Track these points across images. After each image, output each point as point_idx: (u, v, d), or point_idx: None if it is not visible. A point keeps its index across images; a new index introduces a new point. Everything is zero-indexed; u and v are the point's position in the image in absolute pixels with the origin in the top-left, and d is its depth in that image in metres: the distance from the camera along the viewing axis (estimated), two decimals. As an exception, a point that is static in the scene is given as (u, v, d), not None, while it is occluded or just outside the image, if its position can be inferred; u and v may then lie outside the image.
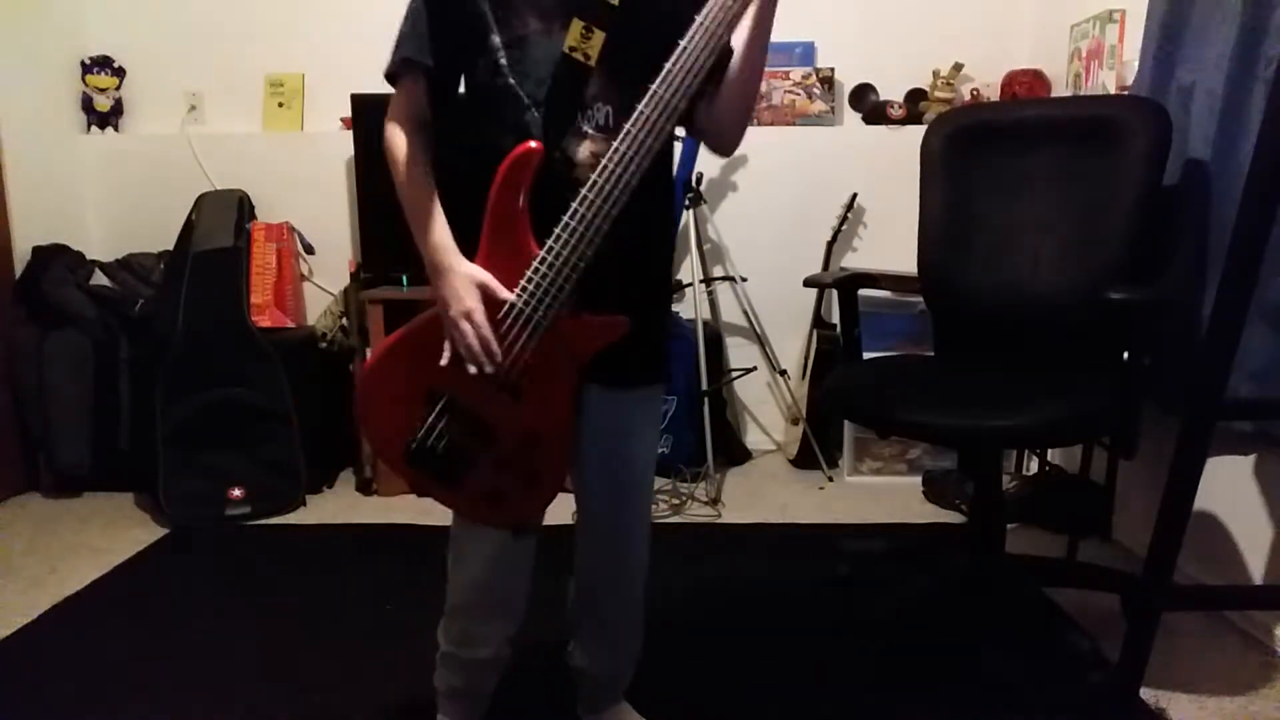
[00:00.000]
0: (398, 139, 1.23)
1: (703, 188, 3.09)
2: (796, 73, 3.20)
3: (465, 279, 1.17)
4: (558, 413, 1.23)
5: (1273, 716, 1.64)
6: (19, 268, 2.96)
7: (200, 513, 2.65)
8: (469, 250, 1.19)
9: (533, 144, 1.14)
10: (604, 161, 1.12)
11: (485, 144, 1.20)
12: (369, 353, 2.88)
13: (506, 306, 1.17)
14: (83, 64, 3.25)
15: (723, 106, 1.26)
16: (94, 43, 3.28)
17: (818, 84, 3.21)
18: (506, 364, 1.19)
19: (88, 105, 3.27)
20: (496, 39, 1.18)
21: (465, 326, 1.16)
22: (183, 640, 1.94)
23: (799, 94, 3.21)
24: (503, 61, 1.19)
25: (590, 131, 1.19)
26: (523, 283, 1.16)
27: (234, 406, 2.74)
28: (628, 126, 1.12)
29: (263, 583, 2.24)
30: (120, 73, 3.30)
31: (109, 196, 3.31)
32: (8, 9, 2.98)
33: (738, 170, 3.26)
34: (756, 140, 3.21)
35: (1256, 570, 1.93)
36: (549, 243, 1.15)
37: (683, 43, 1.12)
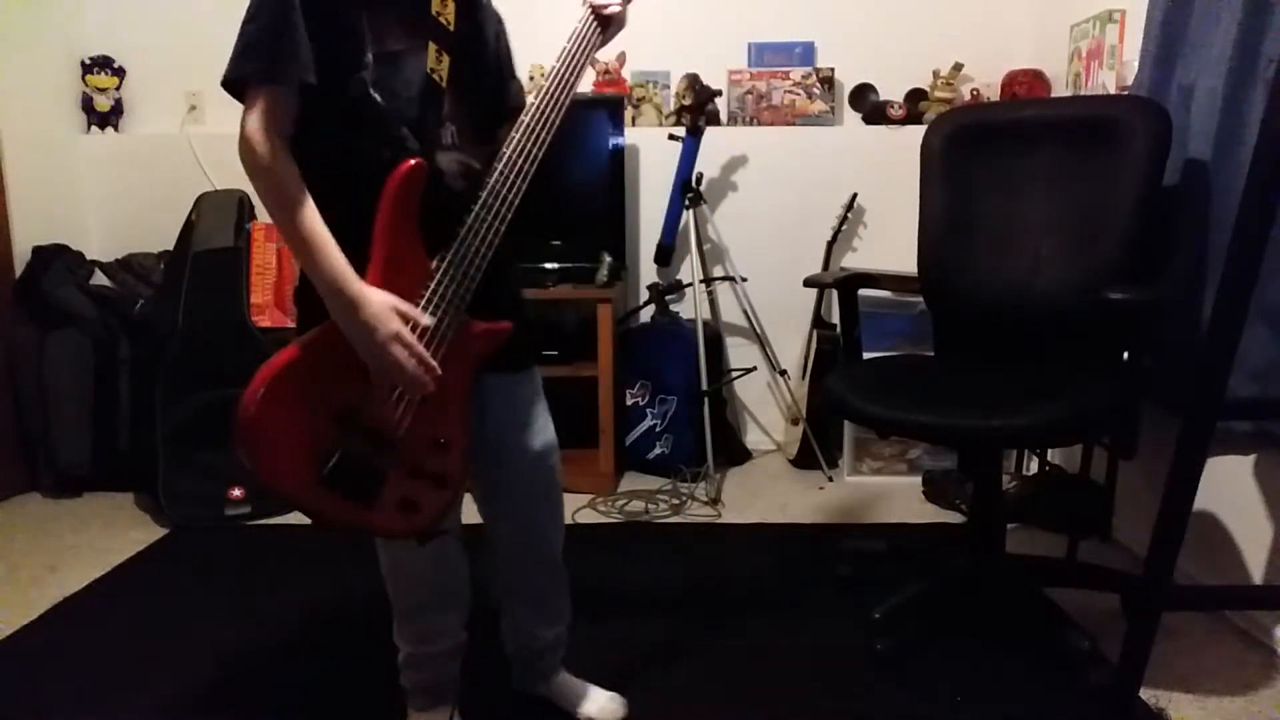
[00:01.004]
0: (276, 160, 1.16)
1: (703, 188, 3.09)
2: (796, 73, 3.20)
3: (383, 306, 1.16)
4: (457, 415, 1.29)
5: (1273, 716, 1.64)
6: (19, 268, 2.96)
7: (200, 513, 2.65)
8: (357, 264, 1.17)
9: (413, 161, 1.18)
10: (490, 181, 1.25)
11: (363, 157, 1.21)
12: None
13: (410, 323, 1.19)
14: (83, 64, 3.25)
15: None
16: (94, 43, 3.28)
17: (818, 84, 3.21)
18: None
19: (88, 105, 3.27)
20: (370, 54, 1.21)
21: (400, 351, 1.17)
22: (183, 640, 1.94)
23: (799, 94, 3.21)
24: (378, 77, 1.21)
25: (447, 144, 1.29)
26: (427, 295, 1.22)
27: (234, 406, 2.72)
28: (509, 153, 1.26)
29: (263, 583, 2.24)
30: (120, 73, 3.30)
31: (109, 196, 3.31)
32: (8, 9, 2.99)
33: (738, 170, 3.26)
34: (756, 140, 3.22)
35: (1256, 570, 1.93)
36: (448, 256, 1.22)
37: (546, 84, 1.30)
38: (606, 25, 1.38)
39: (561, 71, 1.32)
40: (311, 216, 1.16)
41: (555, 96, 1.30)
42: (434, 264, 1.23)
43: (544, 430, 1.50)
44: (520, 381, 1.46)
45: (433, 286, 1.22)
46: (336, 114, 1.21)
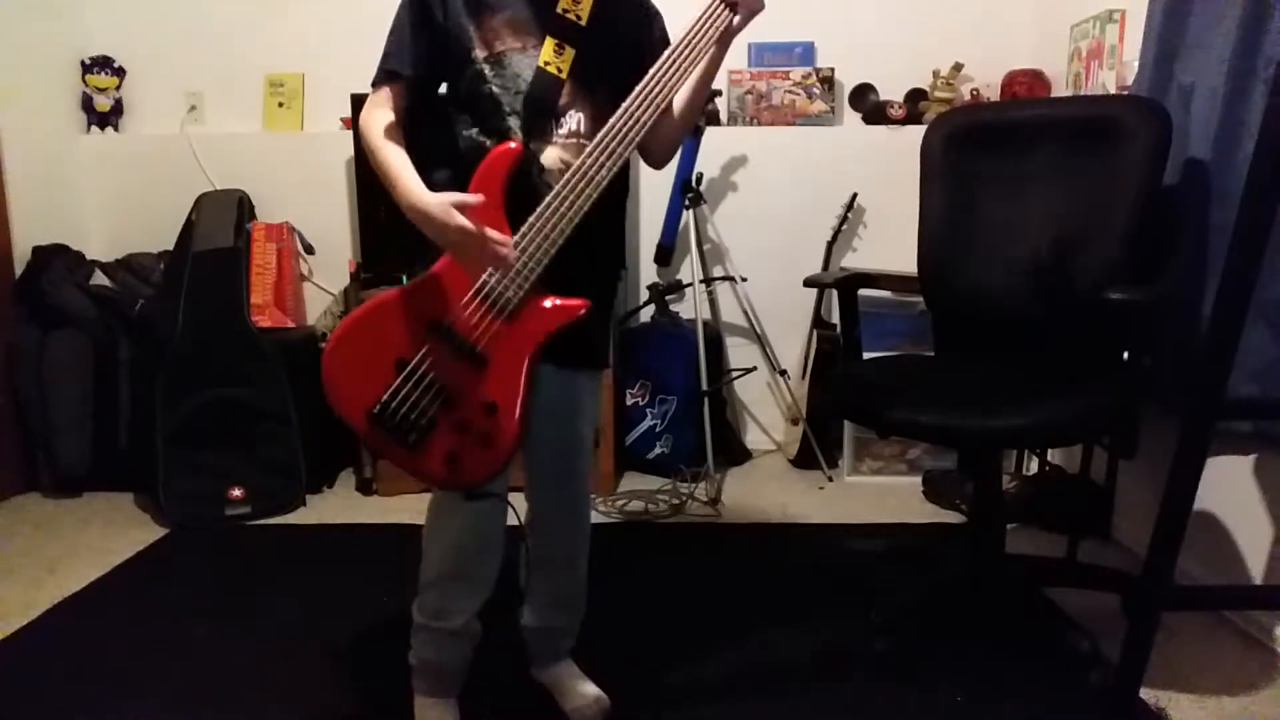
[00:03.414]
0: (375, 117, 1.36)
1: (703, 188, 3.09)
2: (796, 73, 3.21)
3: (440, 205, 1.25)
4: (514, 382, 1.33)
5: (1273, 716, 1.64)
6: (19, 268, 2.96)
7: (200, 513, 2.65)
8: None
9: (513, 144, 1.30)
10: (577, 162, 1.30)
11: (472, 142, 1.36)
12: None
13: (479, 284, 1.30)
14: (83, 64, 3.25)
15: (665, 128, 1.42)
16: (94, 43, 3.28)
17: (818, 84, 3.21)
18: (477, 333, 1.31)
19: (88, 105, 3.27)
20: (479, 53, 1.35)
21: (470, 241, 1.25)
22: (183, 640, 1.94)
23: (799, 94, 3.22)
24: (487, 72, 1.35)
25: (561, 138, 1.36)
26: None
27: (234, 406, 2.74)
28: (601, 134, 1.29)
29: (263, 583, 2.23)
30: (120, 73, 3.30)
31: (109, 196, 3.31)
32: (8, 9, 2.98)
33: (738, 170, 3.26)
34: (756, 140, 3.22)
35: (1256, 570, 1.93)
36: (523, 229, 1.28)
37: (655, 68, 1.30)
38: (735, 9, 1.35)
39: (674, 55, 1.31)
40: (388, 156, 1.33)
41: (663, 79, 1.30)
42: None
43: (574, 434, 1.53)
44: (569, 379, 1.48)
45: None
46: (456, 104, 1.38)
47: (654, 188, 3.22)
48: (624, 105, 1.29)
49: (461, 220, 1.24)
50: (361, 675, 1.79)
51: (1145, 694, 1.68)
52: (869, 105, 3.24)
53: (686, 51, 1.32)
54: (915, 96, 3.21)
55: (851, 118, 3.28)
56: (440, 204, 1.25)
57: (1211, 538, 2.02)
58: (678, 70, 1.31)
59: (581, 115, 1.36)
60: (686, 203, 3.03)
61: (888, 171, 3.13)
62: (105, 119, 3.29)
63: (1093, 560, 2.27)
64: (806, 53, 3.24)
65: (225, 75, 3.27)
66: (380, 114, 1.36)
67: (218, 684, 1.77)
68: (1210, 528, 2.03)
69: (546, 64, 1.33)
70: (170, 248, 2.96)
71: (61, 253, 3.01)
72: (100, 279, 3.08)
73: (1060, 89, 2.96)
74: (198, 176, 3.23)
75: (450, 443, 1.32)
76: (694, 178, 3.02)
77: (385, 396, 1.31)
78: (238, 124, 3.30)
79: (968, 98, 3.20)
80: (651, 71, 1.30)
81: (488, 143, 1.33)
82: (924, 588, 2.05)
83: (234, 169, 3.22)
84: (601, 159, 1.27)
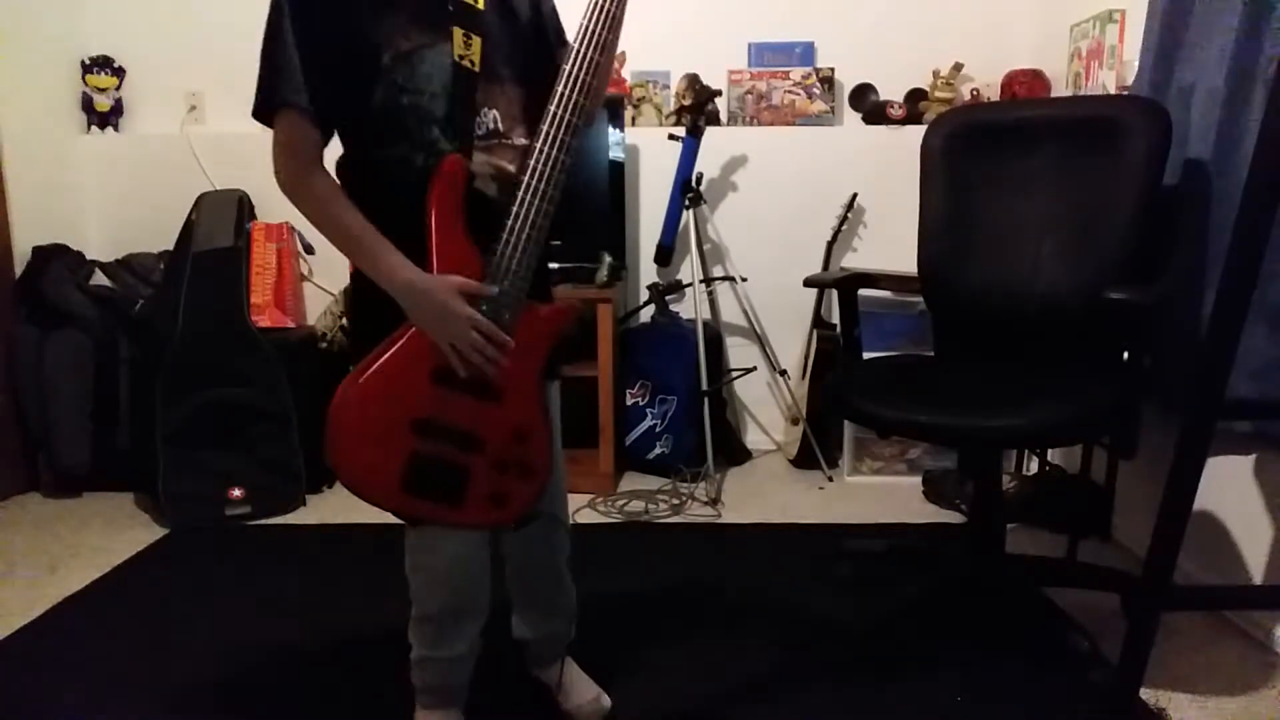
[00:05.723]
0: (312, 179, 1.20)
1: (703, 188, 3.09)
2: (796, 73, 3.20)
3: (447, 289, 1.19)
4: (533, 400, 1.28)
5: (1273, 716, 1.64)
6: (19, 268, 2.96)
7: (200, 513, 2.65)
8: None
9: (450, 157, 1.19)
10: (531, 161, 1.19)
11: (396, 162, 1.22)
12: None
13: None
14: (83, 64, 3.25)
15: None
16: (94, 43, 3.28)
17: (818, 84, 3.21)
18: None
19: (88, 105, 3.27)
20: (387, 58, 1.19)
21: (473, 334, 1.20)
22: (183, 640, 1.94)
23: (799, 94, 3.21)
24: (399, 80, 1.20)
25: (481, 140, 1.24)
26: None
27: (234, 406, 2.74)
28: (544, 128, 1.19)
29: (263, 583, 2.24)
30: (120, 73, 3.30)
31: (109, 196, 3.31)
32: (8, 9, 2.98)
33: (738, 170, 3.26)
34: (756, 140, 3.22)
35: (1256, 570, 1.93)
36: (499, 248, 1.20)
37: (574, 47, 1.20)
38: None
39: (592, 27, 1.21)
40: (354, 225, 1.19)
41: (586, 58, 1.20)
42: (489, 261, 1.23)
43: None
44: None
45: (486, 280, 1.23)
46: (366, 127, 1.22)
47: (654, 188, 3.22)
48: (557, 92, 1.19)
49: (473, 312, 1.19)
50: (362, 675, 1.79)
51: (1145, 694, 1.68)
52: (869, 105, 3.24)
53: (601, 18, 1.22)
54: (915, 96, 3.21)
55: (851, 118, 3.28)
56: (449, 288, 1.18)
57: (1211, 538, 2.02)
58: (598, 44, 1.21)
59: (496, 112, 1.25)
60: (686, 203, 3.02)
61: (888, 171, 3.13)
62: (105, 119, 3.29)
63: (1093, 560, 2.27)
64: (806, 53, 3.24)
65: (225, 75, 3.26)
66: (316, 176, 1.19)
67: (218, 684, 1.77)
68: (1210, 528, 2.03)
69: (460, 58, 1.20)
70: (170, 248, 2.96)
71: (61, 253, 3.01)
72: (100, 279, 3.08)
73: (1060, 89, 2.96)
74: (198, 176, 3.23)
75: (492, 484, 1.26)
76: (694, 178, 3.01)
77: (413, 462, 1.21)
78: (238, 124, 3.28)
79: (968, 98, 3.20)
80: (574, 51, 1.20)
81: (418, 159, 1.21)
82: (924, 588, 2.05)
83: (234, 169, 3.21)
84: (554, 153, 1.19)
